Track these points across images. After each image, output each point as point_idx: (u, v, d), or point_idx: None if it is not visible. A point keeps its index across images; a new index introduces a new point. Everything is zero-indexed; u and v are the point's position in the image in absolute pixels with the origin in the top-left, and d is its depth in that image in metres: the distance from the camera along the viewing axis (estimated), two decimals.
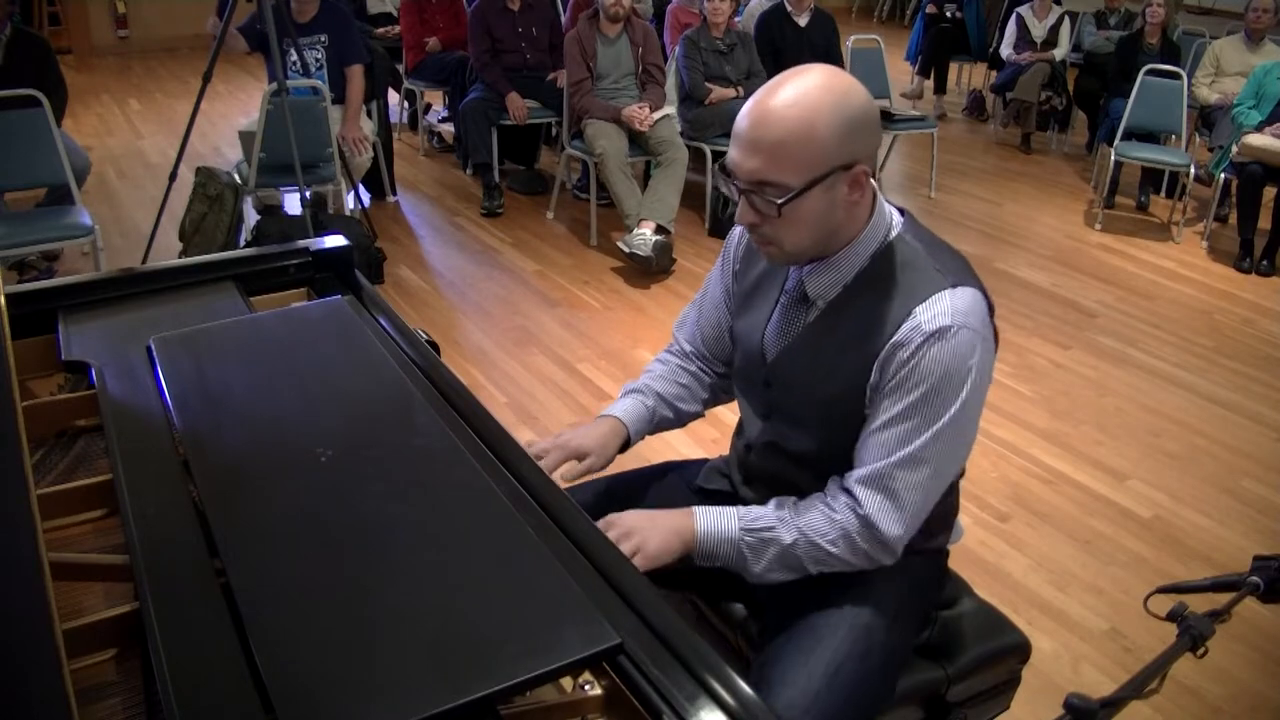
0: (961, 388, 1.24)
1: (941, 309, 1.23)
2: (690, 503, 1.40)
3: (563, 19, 5.42)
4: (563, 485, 1.21)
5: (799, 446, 1.39)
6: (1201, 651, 0.97)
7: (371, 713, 0.80)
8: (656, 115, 4.48)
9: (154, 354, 1.34)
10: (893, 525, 1.27)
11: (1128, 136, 5.29)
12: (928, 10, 7.50)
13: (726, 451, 1.60)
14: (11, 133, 3.52)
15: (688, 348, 1.61)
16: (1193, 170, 5.07)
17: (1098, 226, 5.19)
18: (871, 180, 1.27)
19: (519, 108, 4.90)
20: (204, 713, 0.81)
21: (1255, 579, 1.05)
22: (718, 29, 4.75)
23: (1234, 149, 4.81)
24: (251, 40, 4.12)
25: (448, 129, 5.92)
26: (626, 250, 4.22)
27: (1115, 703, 0.89)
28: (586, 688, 0.96)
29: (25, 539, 0.88)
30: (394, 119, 5.88)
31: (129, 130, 6.27)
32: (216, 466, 1.12)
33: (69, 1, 8.21)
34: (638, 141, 4.50)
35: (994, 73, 7.10)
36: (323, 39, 4.32)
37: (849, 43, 5.67)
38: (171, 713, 0.81)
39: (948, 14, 7.36)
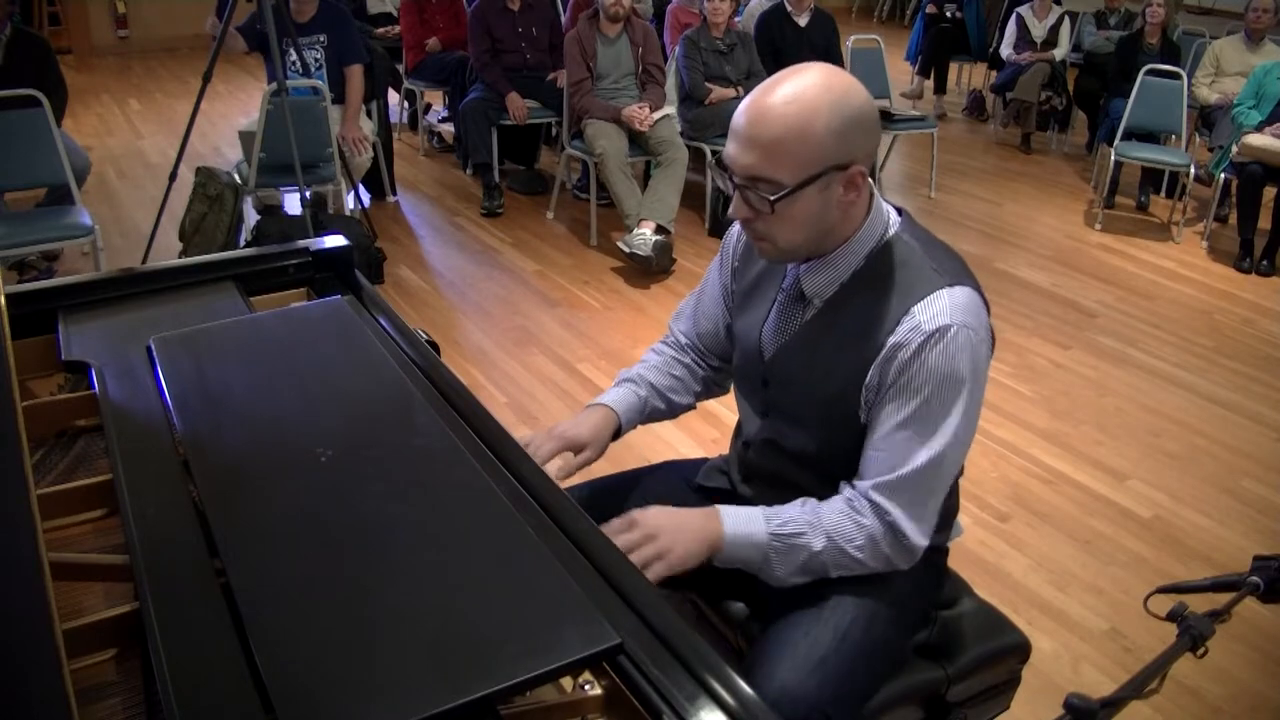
0: (965, 387, 1.24)
1: (940, 308, 1.23)
2: (690, 501, 1.39)
3: (563, 19, 5.42)
4: (557, 479, 1.21)
5: (797, 445, 1.39)
6: (1201, 651, 0.97)
7: (371, 713, 0.80)
8: (656, 115, 4.48)
9: (154, 354, 1.34)
10: (917, 530, 1.28)
11: (1128, 136, 5.29)
12: (928, 10, 7.50)
13: (726, 451, 1.61)
14: (11, 133, 3.52)
15: (683, 340, 1.61)
16: (1193, 170, 5.07)
17: (1098, 226, 5.19)
18: (869, 180, 1.27)
19: (519, 108, 4.90)
20: (204, 713, 0.81)
21: (1255, 579, 1.05)
22: (718, 29, 4.75)
23: (1234, 149, 4.81)
24: (251, 40, 4.12)
25: (448, 129, 5.92)
26: (626, 250, 4.22)
27: (1115, 703, 0.89)
28: (586, 688, 0.96)
29: (25, 539, 0.88)
30: (394, 119, 5.88)
31: (129, 130, 6.27)
32: (216, 466, 1.12)
33: (69, 1, 8.22)
34: (638, 141, 4.50)
35: (994, 73, 7.10)
36: (322, 39, 4.32)
37: (849, 43, 5.67)
38: (171, 713, 0.81)
39: (948, 14, 7.37)
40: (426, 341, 1.49)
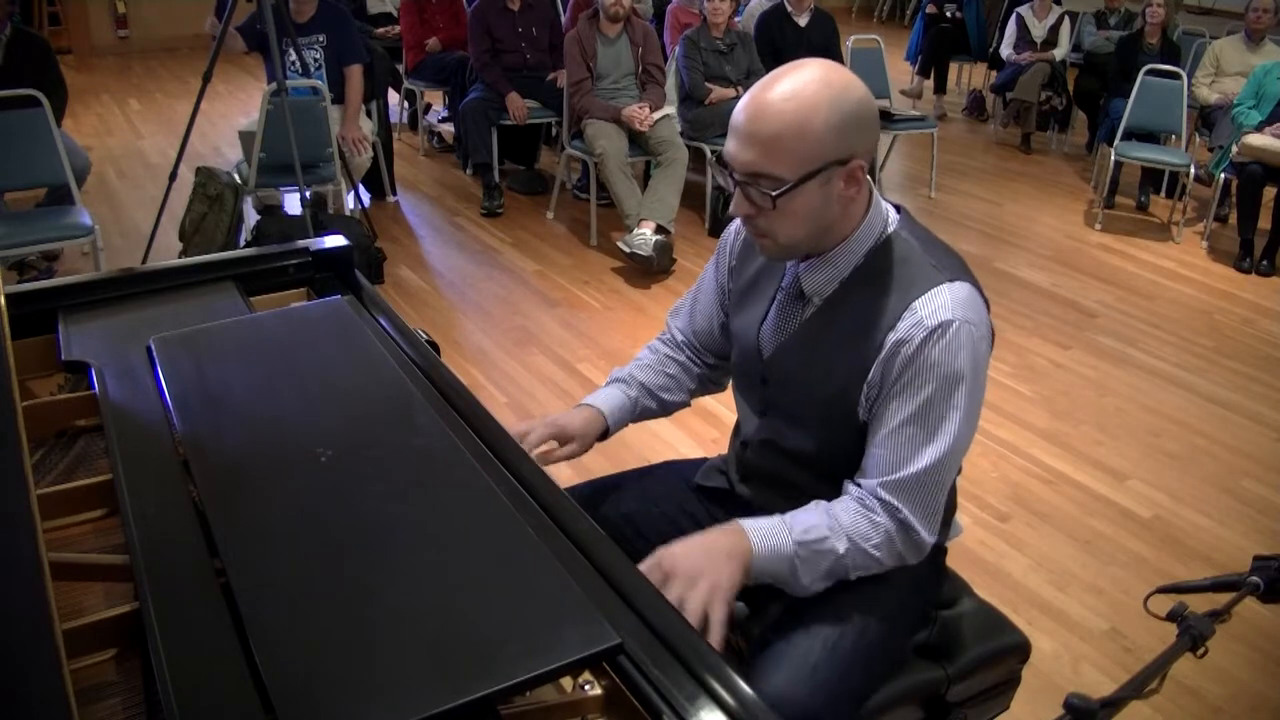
0: (968, 383, 1.24)
1: (941, 303, 1.24)
2: (689, 501, 1.39)
3: (563, 19, 5.42)
4: (543, 466, 1.20)
5: (795, 444, 1.39)
6: (1201, 651, 0.97)
7: (371, 713, 0.80)
8: (656, 115, 4.48)
9: (154, 354, 1.34)
10: (926, 526, 1.28)
11: (1128, 136, 5.29)
12: (928, 10, 7.50)
13: (726, 450, 1.60)
14: (11, 133, 3.52)
15: (679, 336, 1.61)
16: (1193, 170, 5.07)
17: (1098, 226, 5.19)
18: (868, 176, 1.27)
19: (519, 108, 4.90)
20: (204, 713, 0.81)
21: (1255, 579, 1.05)
22: (718, 29, 4.75)
23: (1234, 149, 4.81)
24: (250, 40, 4.12)
25: (448, 129, 5.92)
26: (627, 250, 4.22)
27: (1115, 703, 0.88)
28: (586, 688, 0.96)
29: (25, 539, 0.88)
30: (394, 119, 5.88)
31: (129, 130, 6.27)
32: (216, 466, 1.12)
33: (69, 1, 8.22)
34: (638, 141, 4.50)
35: (994, 73, 7.10)
36: (321, 39, 4.32)
37: (849, 43, 5.67)
38: (171, 713, 0.81)
39: (948, 14, 7.36)
40: (426, 341, 1.49)
